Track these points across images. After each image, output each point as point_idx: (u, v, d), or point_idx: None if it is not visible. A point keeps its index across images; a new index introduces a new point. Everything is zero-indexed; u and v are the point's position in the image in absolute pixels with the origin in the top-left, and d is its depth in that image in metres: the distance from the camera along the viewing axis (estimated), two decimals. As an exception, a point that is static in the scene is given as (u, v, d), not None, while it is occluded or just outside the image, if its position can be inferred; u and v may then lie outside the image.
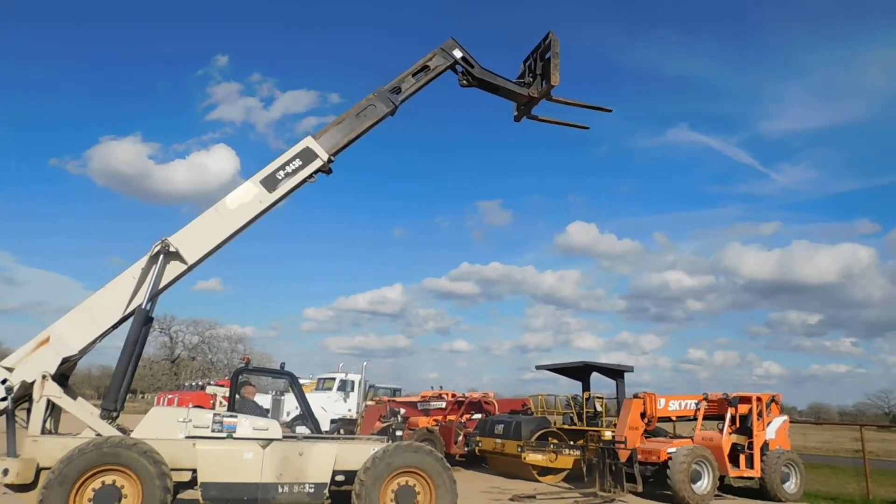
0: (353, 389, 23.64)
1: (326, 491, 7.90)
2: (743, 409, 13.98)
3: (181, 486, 7.84)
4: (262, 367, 10.50)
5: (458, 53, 10.22)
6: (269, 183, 9.05)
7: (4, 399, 7.47)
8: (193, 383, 38.96)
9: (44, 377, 7.61)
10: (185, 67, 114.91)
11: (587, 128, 11.75)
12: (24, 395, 7.67)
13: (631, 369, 16.39)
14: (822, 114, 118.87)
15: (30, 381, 7.61)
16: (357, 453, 8.10)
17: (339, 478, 8.08)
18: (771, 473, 13.21)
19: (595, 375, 17.21)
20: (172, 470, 7.39)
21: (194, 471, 7.59)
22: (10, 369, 7.68)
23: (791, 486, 13.50)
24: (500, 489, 13.72)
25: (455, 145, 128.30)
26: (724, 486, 13.96)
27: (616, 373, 16.30)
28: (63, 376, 8.18)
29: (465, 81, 10.43)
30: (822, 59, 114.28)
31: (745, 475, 13.55)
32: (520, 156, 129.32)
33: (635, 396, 14.25)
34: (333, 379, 24.14)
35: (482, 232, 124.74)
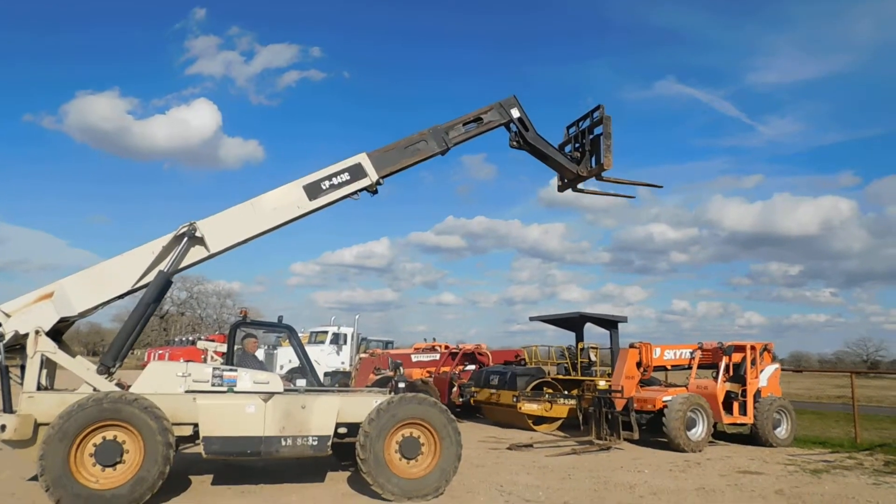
0: (345, 342, 23.67)
1: (329, 443, 7.86)
2: (736, 357, 14.14)
3: (183, 441, 7.78)
4: (259, 321, 10.37)
5: (515, 113, 10.06)
6: (312, 190, 8.82)
7: None
8: (184, 338, 38.97)
9: (37, 332, 7.45)
10: (162, 21, 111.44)
11: (633, 196, 12.01)
12: (14, 345, 7.52)
13: (625, 319, 16.55)
14: (809, 66, 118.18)
15: (22, 332, 7.46)
16: (360, 405, 8.05)
17: (342, 430, 8.04)
18: (763, 420, 13.43)
19: (585, 326, 17.31)
20: (173, 424, 7.31)
21: (196, 425, 7.51)
22: (7, 315, 7.53)
23: (782, 431, 13.75)
24: (497, 438, 13.85)
25: (436, 97, 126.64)
26: (716, 433, 14.21)
27: (610, 323, 16.42)
28: (58, 332, 7.99)
29: (514, 143, 10.29)
30: (811, 11, 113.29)
31: (738, 422, 13.76)
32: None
33: (631, 346, 14.34)
34: (326, 332, 24.14)
35: (467, 187, 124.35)
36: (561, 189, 11.42)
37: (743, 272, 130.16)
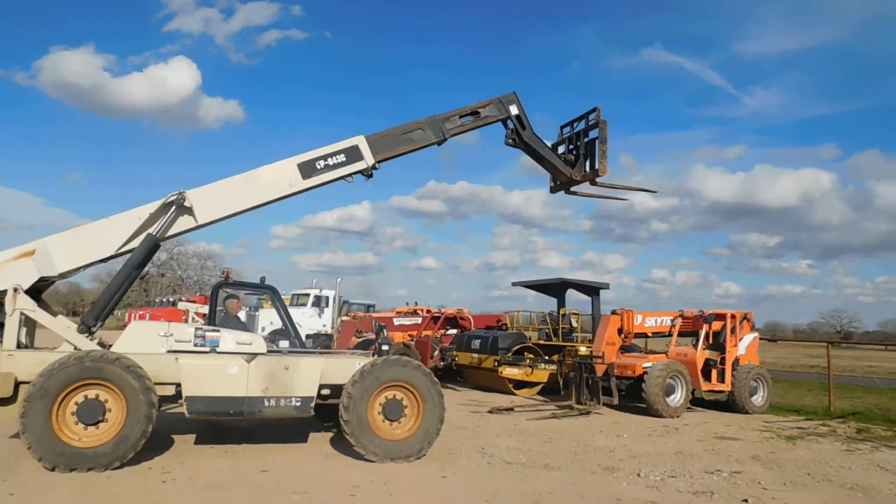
0: (327, 305, 23.66)
1: (313, 404, 7.88)
2: (717, 325, 14.30)
3: (166, 400, 7.80)
4: (242, 282, 10.27)
5: (514, 110, 9.95)
6: (306, 169, 8.69)
7: None
8: (164, 299, 38.77)
9: (15, 290, 7.35)
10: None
11: (627, 199, 12.04)
12: None
13: (607, 286, 16.65)
14: (797, 37, 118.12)
15: (0, 289, 7.38)
16: (344, 367, 8.05)
17: (325, 392, 8.06)
18: (740, 387, 13.64)
19: (567, 292, 17.39)
20: (156, 384, 7.28)
21: (178, 385, 7.49)
22: None
23: (758, 399, 13.99)
24: (478, 402, 14.01)
25: (420, 61, 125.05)
26: (694, 399, 14.44)
27: (592, 290, 16.52)
28: (37, 290, 7.88)
29: (510, 141, 10.15)
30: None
31: (715, 389, 13.98)
32: (487, 76, 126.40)
33: (613, 312, 14.45)
34: (308, 295, 24.09)
35: (449, 152, 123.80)
36: (553, 190, 11.37)
37: (722, 242, 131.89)
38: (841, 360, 34.88)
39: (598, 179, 10.73)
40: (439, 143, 9.53)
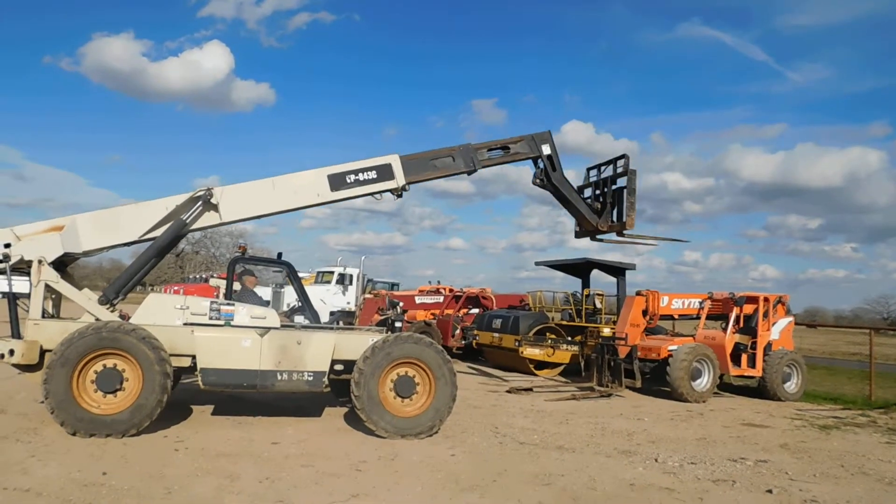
0: (351, 283, 23.77)
1: (325, 379, 7.92)
2: (748, 309, 13.88)
3: (182, 372, 7.99)
4: (258, 256, 10.36)
5: (546, 150, 9.77)
6: (336, 181, 8.69)
7: (3, 262, 7.54)
8: (198, 276, 39.52)
9: (40, 262, 7.58)
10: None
11: (656, 245, 11.65)
12: (19, 268, 7.67)
13: (633, 267, 16.33)
14: (845, 7, 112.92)
15: (27, 259, 7.63)
16: (356, 343, 8.06)
17: (338, 367, 8.09)
18: (772, 373, 13.21)
19: (593, 273, 17.12)
20: (171, 355, 7.44)
21: (193, 357, 7.62)
22: (18, 237, 7.71)
23: (792, 386, 13.55)
24: (497, 382, 13.95)
25: (446, 39, 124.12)
26: (722, 385, 14.07)
27: (618, 270, 16.21)
28: (62, 263, 8.11)
29: (538, 180, 9.97)
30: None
31: (745, 374, 13.60)
32: (519, 47, 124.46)
33: (638, 294, 14.18)
34: (332, 272, 24.25)
35: (476, 132, 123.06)
36: (578, 236, 11.15)
37: (759, 224, 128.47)
38: (886, 349, 33.64)
39: (625, 231, 10.50)
40: (469, 174, 9.44)
